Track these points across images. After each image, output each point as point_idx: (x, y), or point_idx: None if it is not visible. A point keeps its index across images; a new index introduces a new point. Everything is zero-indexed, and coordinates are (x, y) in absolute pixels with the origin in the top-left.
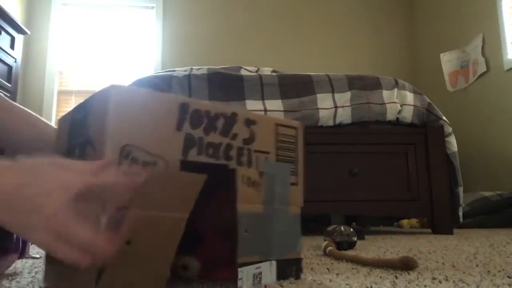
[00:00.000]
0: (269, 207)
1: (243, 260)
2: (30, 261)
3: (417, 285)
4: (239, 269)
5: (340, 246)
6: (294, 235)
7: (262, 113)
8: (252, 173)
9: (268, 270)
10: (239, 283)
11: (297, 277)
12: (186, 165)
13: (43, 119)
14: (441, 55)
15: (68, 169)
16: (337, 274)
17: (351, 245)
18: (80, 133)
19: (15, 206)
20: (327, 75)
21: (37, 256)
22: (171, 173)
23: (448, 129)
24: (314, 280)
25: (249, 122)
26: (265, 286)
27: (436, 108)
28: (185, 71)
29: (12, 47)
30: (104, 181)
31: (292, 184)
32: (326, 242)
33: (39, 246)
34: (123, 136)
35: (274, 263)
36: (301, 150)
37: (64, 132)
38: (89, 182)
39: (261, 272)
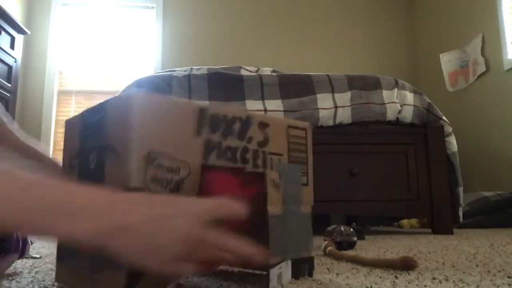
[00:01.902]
0: (285, 208)
1: (271, 261)
2: (30, 261)
3: (417, 285)
4: (271, 270)
5: (340, 246)
6: (306, 234)
7: (262, 113)
8: (274, 176)
9: (285, 269)
10: (270, 284)
11: (310, 274)
12: (207, 169)
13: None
14: (441, 55)
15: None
16: (337, 274)
17: (351, 245)
18: (96, 136)
19: (152, 240)
20: (327, 75)
21: (37, 256)
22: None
23: (448, 129)
24: (314, 280)
25: (263, 125)
26: (282, 286)
27: (436, 108)
28: (185, 71)
29: (12, 47)
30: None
31: (303, 184)
32: (326, 242)
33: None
34: (147, 143)
35: (289, 262)
36: (310, 151)
37: (74, 134)
38: (217, 205)
39: (281, 272)
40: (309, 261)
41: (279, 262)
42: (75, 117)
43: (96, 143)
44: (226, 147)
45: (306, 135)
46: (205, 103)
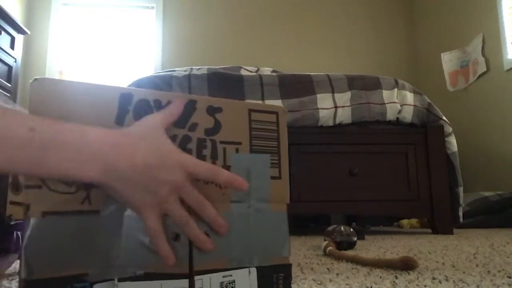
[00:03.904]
0: (242, 205)
1: (200, 267)
2: None
3: (417, 285)
4: (197, 277)
5: (340, 246)
6: (279, 237)
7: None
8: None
9: (246, 279)
10: None
11: (287, 286)
12: None
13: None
14: (442, 54)
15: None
16: (337, 274)
17: (351, 245)
18: None
19: (140, 185)
20: (327, 75)
21: None
22: None
23: (448, 129)
24: (314, 280)
25: (213, 110)
26: None
27: (436, 108)
28: (185, 71)
29: (12, 47)
30: (221, 174)
31: (274, 177)
32: (326, 242)
33: (150, 223)
34: None
35: (253, 270)
36: (284, 138)
37: None
38: (208, 169)
39: (233, 281)
40: (285, 270)
41: (226, 269)
42: None
43: None
44: None
45: (278, 120)
46: (132, 88)
